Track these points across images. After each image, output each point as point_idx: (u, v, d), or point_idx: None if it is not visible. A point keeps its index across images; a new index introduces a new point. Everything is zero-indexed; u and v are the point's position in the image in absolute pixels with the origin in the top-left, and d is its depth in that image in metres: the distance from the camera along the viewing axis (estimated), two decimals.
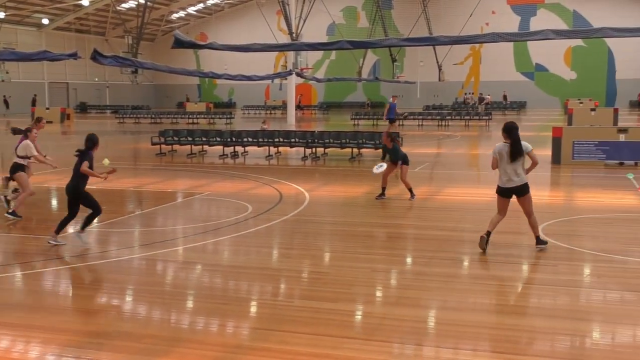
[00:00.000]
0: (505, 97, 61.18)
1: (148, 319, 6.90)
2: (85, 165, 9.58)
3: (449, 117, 43.19)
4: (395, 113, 29.41)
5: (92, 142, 9.81)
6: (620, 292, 7.68)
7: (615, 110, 35.91)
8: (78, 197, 9.79)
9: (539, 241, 9.55)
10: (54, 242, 9.90)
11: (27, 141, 12.30)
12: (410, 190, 13.93)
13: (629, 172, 12.99)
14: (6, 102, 58.34)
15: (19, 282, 8.40)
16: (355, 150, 22.31)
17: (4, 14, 55.05)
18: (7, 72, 51.68)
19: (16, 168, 12.20)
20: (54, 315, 6.89)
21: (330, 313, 6.91)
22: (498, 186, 9.51)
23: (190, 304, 7.46)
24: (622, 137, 19.06)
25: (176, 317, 6.96)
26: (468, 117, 43.35)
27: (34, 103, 57.76)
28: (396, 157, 13.90)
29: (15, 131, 13.21)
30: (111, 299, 7.59)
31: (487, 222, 9.74)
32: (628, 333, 6.42)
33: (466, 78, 67.17)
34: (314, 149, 22.71)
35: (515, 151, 9.23)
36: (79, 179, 9.72)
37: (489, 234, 9.47)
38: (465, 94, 63.28)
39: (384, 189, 14.05)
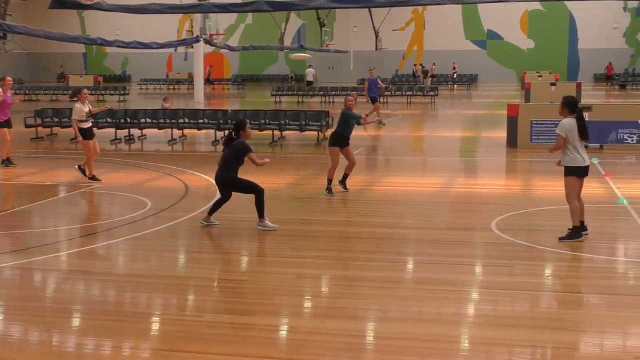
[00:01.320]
0: (454, 69, 62.25)
1: (24, 342, 6.76)
2: (253, 156, 10.96)
3: (389, 92, 43.70)
4: (380, 89, 29.28)
5: (241, 127, 11.02)
6: (585, 295, 7.98)
7: (578, 85, 37.03)
8: (234, 186, 10.98)
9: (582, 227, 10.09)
10: (207, 223, 11.02)
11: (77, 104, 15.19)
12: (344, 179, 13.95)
13: (594, 157, 13.45)
14: None
15: None
16: (277, 133, 22.30)
17: None
18: None
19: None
20: None
21: (248, 329, 6.90)
22: (576, 167, 9.92)
23: (77, 322, 7.32)
24: (586, 116, 19.72)
25: (59, 338, 6.83)
26: (411, 93, 43.95)
27: None
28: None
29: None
30: None
31: (433, 216, 9.92)
32: (594, 342, 6.67)
33: (408, 47, 68.03)
34: (226, 132, 22.55)
35: (586, 126, 9.94)
36: (232, 169, 10.90)
37: (583, 225, 10.03)
38: (421, 65, 63.55)
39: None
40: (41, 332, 6.96)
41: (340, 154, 13.59)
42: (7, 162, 17.13)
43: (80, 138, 15.07)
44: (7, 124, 17.25)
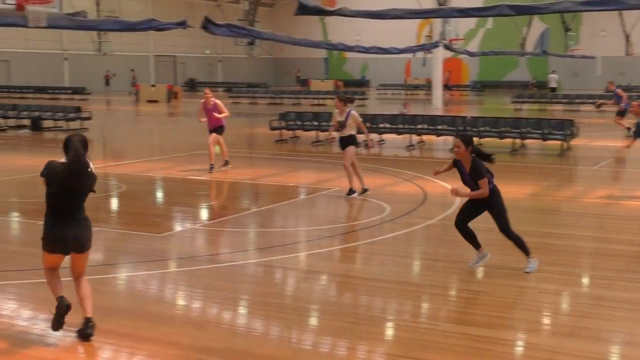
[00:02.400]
0: None
1: (265, 336, 7.06)
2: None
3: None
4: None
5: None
6: None
7: None
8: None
9: None
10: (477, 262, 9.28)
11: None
12: None
13: None
14: (107, 79, 61.55)
15: (123, 285, 8.84)
16: (517, 141, 21.78)
17: None
18: (109, 47, 54.52)
19: None
20: (161, 325, 7.20)
21: (486, 342, 6.78)
22: None
23: (313, 320, 7.56)
24: None
25: (297, 335, 7.08)
26: None
27: (107, 82, 60.54)
28: None
29: None
30: (222, 310, 7.83)
31: None
32: None
33: None
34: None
35: None
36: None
37: None
38: None
39: None
40: (281, 328, 7.26)
41: None
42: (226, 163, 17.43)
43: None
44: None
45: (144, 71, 65.75)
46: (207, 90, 17.19)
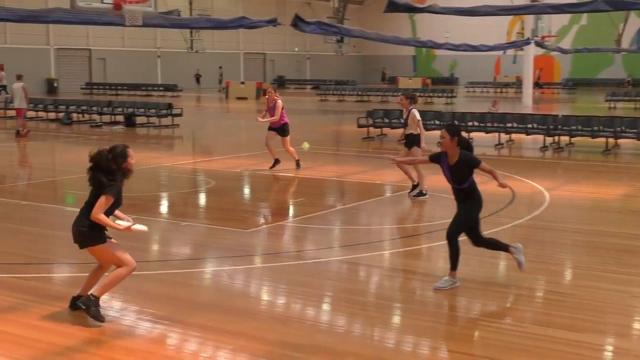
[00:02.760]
0: None
1: (348, 334, 7.11)
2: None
3: None
4: None
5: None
6: None
7: None
8: None
9: None
10: None
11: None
12: None
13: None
14: (197, 78, 62.77)
15: (209, 279, 9.04)
16: (610, 140, 21.25)
17: None
18: (201, 45, 55.55)
19: None
20: (246, 320, 7.34)
21: (573, 345, 6.67)
22: None
23: (397, 319, 7.58)
24: None
25: (380, 333, 7.11)
26: None
27: (197, 80, 61.63)
28: None
29: None
30: (307, 306, 7.92)
31: None
32: None
33: None
34: (556, 138, 21.97)
35: None
36: None
37: None
38: None
39: None
40: (364, 325, 7.29)
41: None
42: (297, 164, 17.08)
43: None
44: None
45: (234, 69, 66.82)
46: (270, 89, 17.71)
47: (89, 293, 7.17)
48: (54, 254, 10.10)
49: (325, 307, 7.96)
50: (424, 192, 13.63)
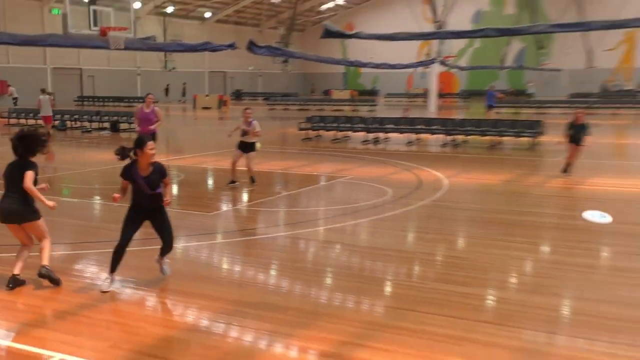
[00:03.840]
0: None
1: (291, 293, 7.16)
2: None
3: (597, 105, 40.68)
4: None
5: None
6: None
7: None
8: None
9: None
10: None
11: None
12: None
13: None
14: (166, 91, 61.82)
15: (180, 253, 8.96)
16: (496, 138, 21.68)
17: (173, 8, 58.47)
18: (173, 64, 54.77)
19: None
20: (209, 285, 7.33)
21: (465, 297, 6.83)
22: None
23: (329, 281, 7.65)
24: None
25: (317, 292, 7.17)
26: (618, 105, 40.60)
27: (166, 93, 60.62)
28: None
29: None
30: (258, 272, 7.93)
31: (631, 213, 9.14)
32: None
33: (617, 65, 62.78)
34: (454, 136, 22.33)
35: None
36: None
37: None
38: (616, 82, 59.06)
39: None
40: (303, 286, 7.34)
41: None
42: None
43: None
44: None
45: (200, 84, 66.03)
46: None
47: (43, 264, 7.03)
48: None
49: (273, 272, 7.98)
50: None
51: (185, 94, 60.47)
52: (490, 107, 31.12)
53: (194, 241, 9.42)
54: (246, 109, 13.91)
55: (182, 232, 10.10)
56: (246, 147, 13.69)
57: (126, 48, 19.01)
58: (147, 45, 22.00)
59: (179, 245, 9.27)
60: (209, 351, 5.55)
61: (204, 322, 6.19)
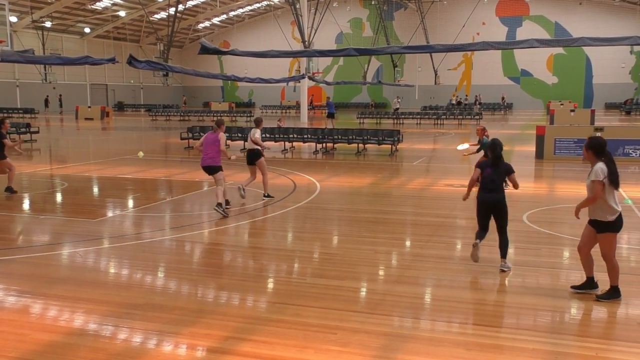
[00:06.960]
0: (502, 99, 60.84)
1: (177, 293, 6.92)
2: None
3: (444, 116, 42.95)
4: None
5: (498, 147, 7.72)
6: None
7: (592, 112, 35.81)
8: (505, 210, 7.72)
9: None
10: (505, 269, 7.62)
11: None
12: None
13: (626, 199, 12.58)
14: (46, 102, 58.37)
15: (66, 259, 8.42)
16: (360, 145, 22.26)
17: (51, 23, 55.16)
18: (53, 77, 51.72)
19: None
20: (96, 289, 6.92)
21: (338, 289, 6.90)
22: (614, 221, 6.37)
23: (214, 280, 7.47)
24: (598, 135, 18.92)
25: (202, 291, 6.98)
26: (461, 117, 43.12)
27: (46, 104, 57.52)
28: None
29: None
30: (145, 275, 7.61)
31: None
32: (603, 310, 6.38)
33: (459, 82, 66.72)
34: (324, 144, 22.68)
35: (618, 174, 6.36)
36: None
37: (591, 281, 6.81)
38: (457, 96, 63.08)
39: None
40: (189, 287, 7.13)
41: None
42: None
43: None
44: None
45: (82, 96, 62.87)
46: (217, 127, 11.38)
47: None
48: None
49: (160, 274, 7.68)
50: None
51: (62, 105, 57.57)
52: (331, 114, 35.53)
53: (80, 247, 8.88)
54: None
55: (66, 238, 9.52)
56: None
57: (3, 60, 17.73)
58: (25, 58, 20.63)
59: (64, 252, 8.71)
60: (97, 354, 5.23)
61: (92, 326, 5.83)
